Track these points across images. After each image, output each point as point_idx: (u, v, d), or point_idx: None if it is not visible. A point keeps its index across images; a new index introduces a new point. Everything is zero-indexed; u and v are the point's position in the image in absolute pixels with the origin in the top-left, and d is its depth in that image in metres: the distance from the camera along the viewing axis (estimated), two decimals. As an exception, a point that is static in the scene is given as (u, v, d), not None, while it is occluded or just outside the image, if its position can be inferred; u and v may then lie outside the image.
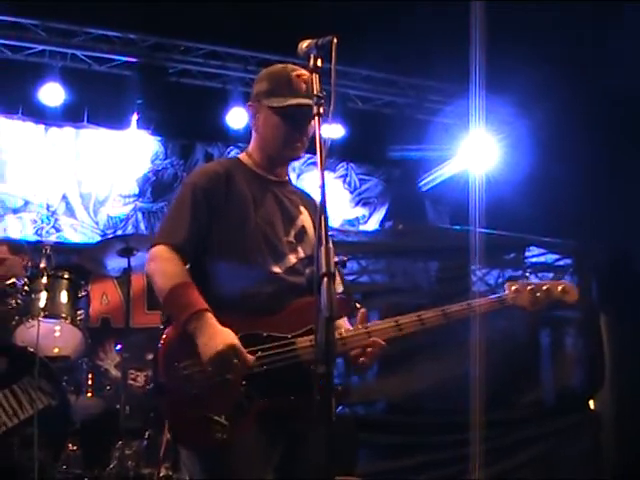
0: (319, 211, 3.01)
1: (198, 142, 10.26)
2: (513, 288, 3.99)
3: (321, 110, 3.20)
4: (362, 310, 3.75)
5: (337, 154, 10.15)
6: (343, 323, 3.75)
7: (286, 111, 3.73)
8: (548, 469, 7.90)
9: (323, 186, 3.04)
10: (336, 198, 10.35)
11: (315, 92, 3.23)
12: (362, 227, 10.42)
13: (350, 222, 10.48)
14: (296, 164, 9.01)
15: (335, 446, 2.86)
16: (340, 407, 4.55)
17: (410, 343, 7.36)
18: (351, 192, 10.71)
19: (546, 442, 7.96)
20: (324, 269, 2.85)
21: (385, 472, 7.48)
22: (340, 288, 3.75)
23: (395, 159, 10.30)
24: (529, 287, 4.00)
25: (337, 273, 3.43)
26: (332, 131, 9.51)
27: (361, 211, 10.66)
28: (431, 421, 7.73)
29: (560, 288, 4.05)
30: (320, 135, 3.15)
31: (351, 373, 4.44)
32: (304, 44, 3.34)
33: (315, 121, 3.18)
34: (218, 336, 3.37)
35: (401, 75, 10.15)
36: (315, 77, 3.28)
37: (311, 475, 3.40)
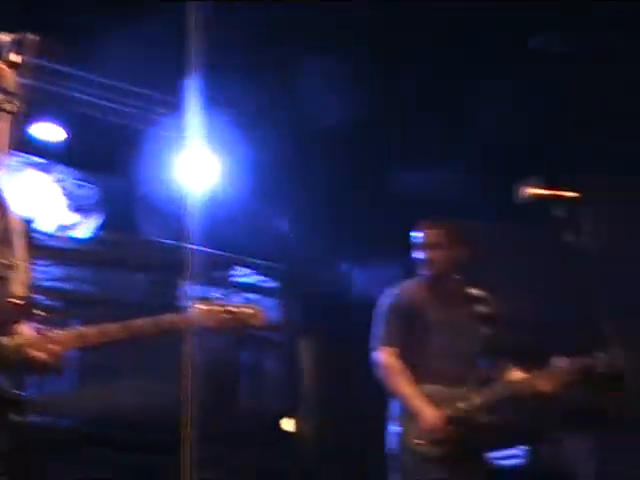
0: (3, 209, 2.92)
1: None
2: (200, 308, 4.00)
3: (11, 108, 3.10)
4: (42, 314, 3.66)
5: (55, 157, 9.85)
6: (25, 328, 3.63)
7: None
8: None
9: (7, 183, 2.95)
10: (50, 202, 10.04)
11: (7, 88, 3.12)
12: (75, 234, 10.16)
13: (62, 228, 10.20)
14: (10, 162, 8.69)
15: (18, 458, 2.76)
16: (26, 417, 4.39)
17: (111, 357, 7.32)
18: (66, 197, 10.43)
19: (241, 460, 8.01)
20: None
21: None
22: (21, 290, 3.62)
23: (114, 169, 10.13)
24: (217, 308, 4.02)
25: (22, 275, 3.33)
26: (51, 133, 9.26)
27: (75, 217, 10.39)
28: (130, 437, 7.64)
29: (248, 311, 4.10)
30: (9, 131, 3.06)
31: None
32: (1, 37, 3.22)
33: (11, 119, 3.08)
34: None
35: (126, 83, 9.99)
36: (10, 72, 3.17)
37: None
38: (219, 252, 8.11)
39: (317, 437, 10.91)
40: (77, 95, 9.96)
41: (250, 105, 8.98)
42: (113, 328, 3.72)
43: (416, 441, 5.20)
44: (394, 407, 5.47)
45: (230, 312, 3.97)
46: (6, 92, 3.07)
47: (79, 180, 10.53)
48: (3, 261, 2.81)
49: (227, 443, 7.87)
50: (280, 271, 8.64)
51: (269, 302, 8.46)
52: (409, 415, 5.28)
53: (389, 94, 8.47)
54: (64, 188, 10.40)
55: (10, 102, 3.07)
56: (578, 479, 7.11)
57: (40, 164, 9.26)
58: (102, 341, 3.71)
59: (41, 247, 7.71)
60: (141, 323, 3.79)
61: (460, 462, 5.19)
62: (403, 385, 5.28)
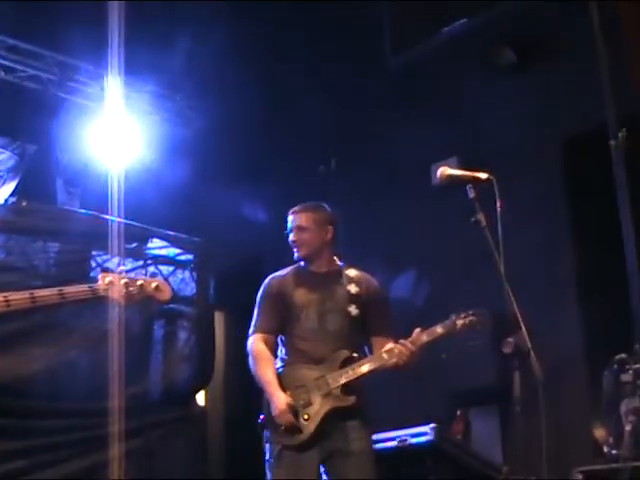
0: None
1: None
2: (107, 280, 3.98)
3: None
4: None
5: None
6: None
7: None
8: (150, 462, 7.93)
9: None
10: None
11: None
12: (-13, 200, 10.01)
13: (-25, 194, 10.05)
14: None
15: None
16: None
17: (20, 326, 7.23)
18: (-21, 163, 10.27)
19: (149, 435, 7.97)
20: None
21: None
22: None
23: (30, 136, 10.00)
24: (122, 280, 4.00)
25: None
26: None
27: (-12, 183, 10.24)
28: (37, 405, 7.56)
29: (154, 285, 4.09)
30: None
31: None
32: None
33: None
34: None
35: (48, 50, 9.86)
36: None
37: None
38: (135, 224, 8.04)
39: (226, 411, 10.96)
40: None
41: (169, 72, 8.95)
42: (18, 296, 3.70)
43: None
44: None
45: (135, 285, 3.97)
46: None
47: (-7, 146, 10.38)
48: None
49: (137, 416, 7.83)
50: (195, 244, 8.61)
51: (184, 275, 8.42)
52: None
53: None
54: (-22, 154, 10.24)
55: None
56: (485, 456, 7.19)
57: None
58: (5, 310, 3.68)
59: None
60: (47, 292, 3.77)
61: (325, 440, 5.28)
62: (263, 370, 5.37)
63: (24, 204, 7.97)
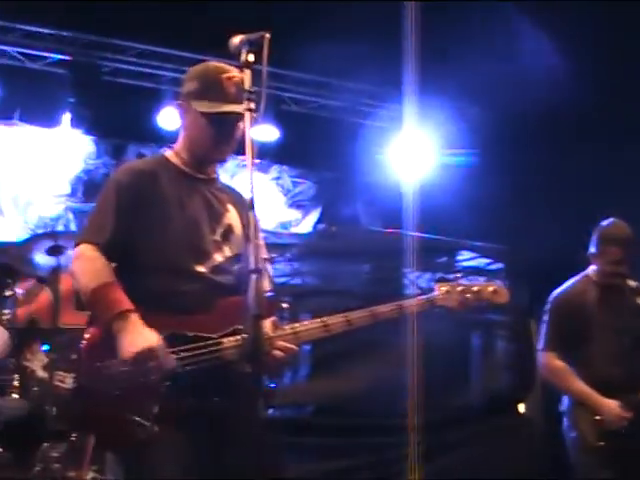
0: (248, 208, 2.98)
1: (130, 142, 10.15)
2: (443, 289, 3.99)
3: (252, 106, 3.18)
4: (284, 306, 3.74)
5: (271, 156, 10.06)
6: (273, 323, 3.71)
7: (215, 117, 3.64)
8: (478, 471, 7.93)
9: (252, 183, 3.02)
10: (269, 200, 10.30)
11: (246, 88, 3.19)
12: (295, 230, 10.39)
13: (283, 225, 10.44)
14: (230, 165, 8.95)
15: (263, 447, 2.82)
16: (267, 409, 4.51)
17: (342, 345, 7.42)
18: (284, 194, 10.67)
19: (476, 445, 7.98)
20: (252, 266, 2.82)
21: (315, 474, 7.46)
22: (268, 286, 3.71)
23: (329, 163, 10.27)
24: (459, 288, 4.00)
25: (266, 272, 3.42)
26: (266, 133, 9.49)
27: (294, 214, 10.62)
28: (362, 423, 7.72)
29: (491, 289, 4.06)
30: (249, 132, 3.12)
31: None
32: (236, 39, 3.29)
33: (245, 118, 3.15)
34: (140, 337, 3.32)
35: (334, 78, 10.13)
36: (246, 73, 3.25)
37: (238, 477, 3.35)
38: (442, 238, 8.10)
39: (546, 422, 10.76)
40: (287, 95, 10.21)
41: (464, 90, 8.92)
42: (357, 315, 3.76)
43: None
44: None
45: (472, 292, 3.96)
46: (249, 93, 3.15)
47: (295, 177, 10.76)
48: (259, 256, 2.86)
49: (458, 427, 7.87)
50: (504, 252, 8.55)
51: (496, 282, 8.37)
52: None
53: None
54: (281, 186, 10.65)
55: (251, 102, 3.15)
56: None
57: (257, 164, 9.49)
58: (346, 329, 3.75)
59: (266, 245, 7.86)
60: (385, 309, 3.81)
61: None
62: (574, 384, 5.24)
63: (333, 229, 8.18)
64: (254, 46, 3.26)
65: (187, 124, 3.79)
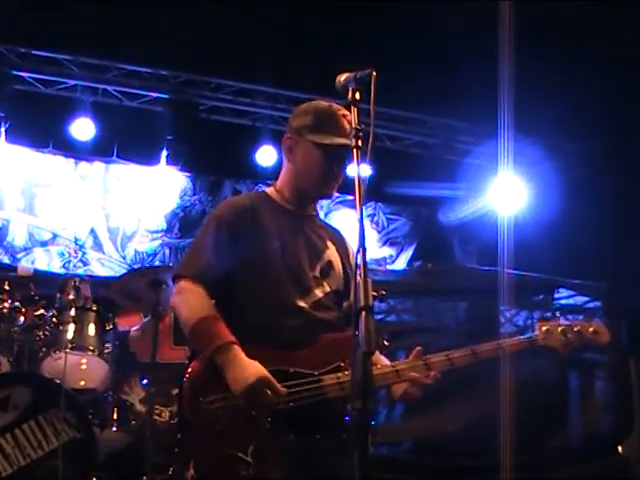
0: (359, 243, 2.97)
1: (227, 179, 10.28)
2: (544, 329, 3.94)
3: (360, 143, 3.18)
4: (418, 348, 3.72)
5: (365, 193, 10.06)
6: (380, 358, 3.71)
7: (331, 149, 3.66)
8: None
9: (362, 219, 3.02)
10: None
11: (354, 125, 3.20)
12: (390, 267, 10.38)
13: (377, 262, 10.45)
14: (324, 202, 9.01)
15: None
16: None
17: (437, 383, 7.36)
18: (379, 232, 10.70)
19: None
20: (363, 302, 2.81)
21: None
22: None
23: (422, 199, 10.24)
24: (560, 328, 3.94)
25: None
26: (361, 169, 9.51)
27: (388, 251, 10.63)
28: (458, 463, 7.64)
29: (592, 329, 4.00)
30: (359, 169, 3.13)
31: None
32: (342, 77, 3.29)
33: (354, 154, 3.15)
34: (248, 368, 3.33)
35: (430, 115, 10.15)
36: (354, 110, 3.26)
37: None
38: (540, 275, 8.01)
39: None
40: (381, 131, 10.24)
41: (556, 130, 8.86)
42: (459, 354, 3.73)
43: None
44: None
45: (574, 332, 3.91)
46: (357, 130, 3.15)
47: (390, 214, 10.77)
48: (371, 292, 2.86)
49: (555, 469, 7.73)
50: (602, 290, 8.41)
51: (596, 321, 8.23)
52: None
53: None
54: (376, 223, 10.67)
55: (359, 139, 3.16)
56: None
57: (350, 201, 9.53)
58: (448, 368, 3.74)
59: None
60: (486, 347, 3.79)
61: None
62: None
63: (429, 266, 8.15)
64: (360, 83, 3.26)
65: (297, 158, 3.78)
